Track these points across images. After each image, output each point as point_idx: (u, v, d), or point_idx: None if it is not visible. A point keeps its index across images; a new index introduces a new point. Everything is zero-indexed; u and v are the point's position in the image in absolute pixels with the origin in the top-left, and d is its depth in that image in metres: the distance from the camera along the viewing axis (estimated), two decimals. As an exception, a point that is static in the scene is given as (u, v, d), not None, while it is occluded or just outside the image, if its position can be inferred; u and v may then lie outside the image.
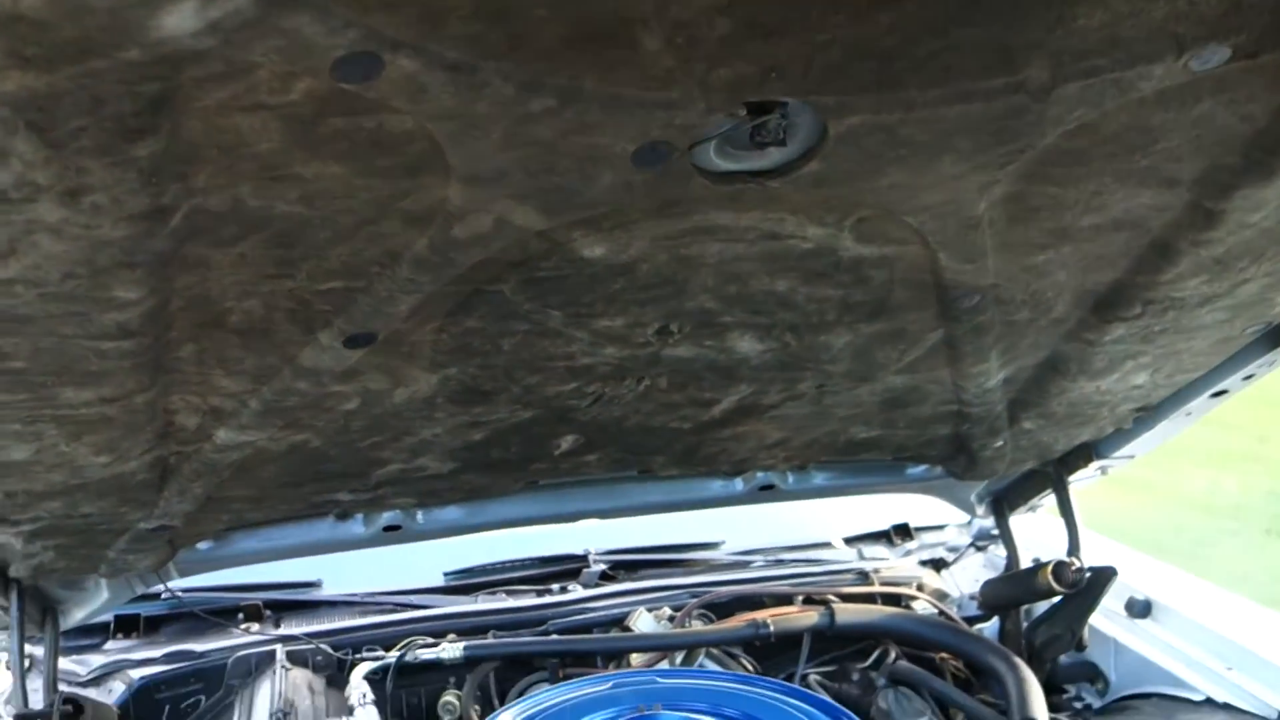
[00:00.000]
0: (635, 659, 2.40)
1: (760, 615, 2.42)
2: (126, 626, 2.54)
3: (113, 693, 2.32)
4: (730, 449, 2.12)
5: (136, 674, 2.34)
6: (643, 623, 2.45)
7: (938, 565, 2.89)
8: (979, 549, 2.97)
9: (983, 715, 2.23)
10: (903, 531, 3.05)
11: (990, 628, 2.69)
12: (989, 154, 1.25)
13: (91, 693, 2.32)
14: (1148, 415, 2.17)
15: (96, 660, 2.41)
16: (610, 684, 2.04)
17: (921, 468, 2.44)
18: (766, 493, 2.40)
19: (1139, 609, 2.51)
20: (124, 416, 1.43)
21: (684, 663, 2.36)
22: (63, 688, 2.31)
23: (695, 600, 2.49)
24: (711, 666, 2.37)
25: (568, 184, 1.18)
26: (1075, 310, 1.71)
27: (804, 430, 2.07)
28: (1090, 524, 2.54)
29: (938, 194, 1.32)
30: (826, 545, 2.97)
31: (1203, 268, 1.54)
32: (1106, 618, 2.57)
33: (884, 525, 3.05)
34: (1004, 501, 2.64)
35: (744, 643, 2.41)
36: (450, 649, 2.35)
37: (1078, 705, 2.52)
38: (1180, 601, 2.46)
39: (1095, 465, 2.37)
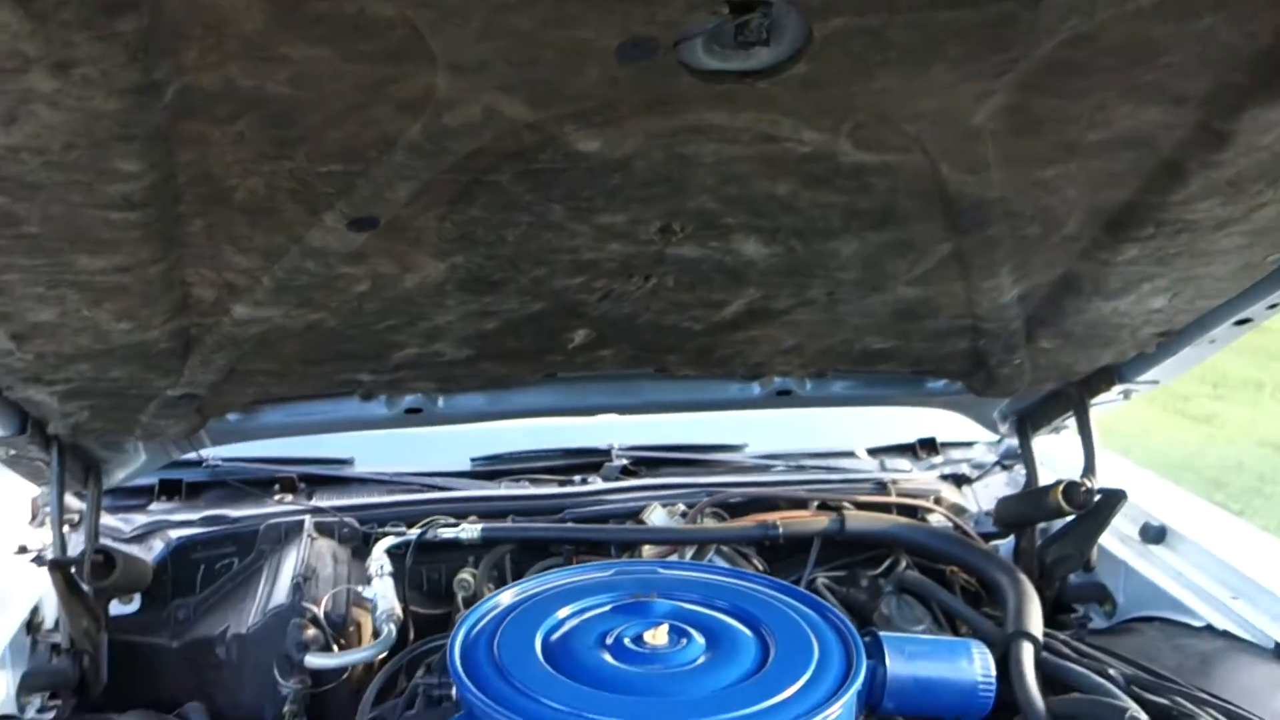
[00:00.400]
0: (646, 551, 2.48)
1: (771, 517, 2.47)
2: (169, 490, 2.69)
3: (152, 550, 2.46)
4: (745, 352, 2.15)
5: (175, 534, 2.48)
6: (656, 517, 2.52)
7: (959, 481, 2.90)
8: (1004, 468, 2.98)
9: (981, 626, 2.27)
10: (928, 446, 3.07)
11: (1006, 545, 2.71)
12: (982, 63, 1.23)
13: (134, 549, 2.47)
14: (1170, 340, 2.14)
15: (140, 519, 2.56)
16: (613, 571, 2.11)
17: (941, 382, 2.44)
18: (783, 398, 2.42)
19: (1153, 534, 2.51)
20: (140, 285, 1.50)
21: (694, 559, 2.42)
22: (107, 542, 2.47)
23: (709, 499, 2.55)
24: (721, 564, 2.43)
25: (552, 77, 1.20)
26: (1088, 229, 1.69)
27: (817, 337, 2.09)
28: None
29: (933, 101, 1.31)
30: (850, 455, 3.00)
31: (1215, 190, 1.51)
32: (1121, 541, 2.58)
33: (910, 439, 3.07)
34: (1027, 421, 2.63)
35: (753, 542, 2.46)
36: (469, 530, 2.45)
37: (1090, 625, 2.55)
38: (1195, 529, 2.46)
39: (1118, 389, 2.35)
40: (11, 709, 2.08)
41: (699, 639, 1.79)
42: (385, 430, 2.68)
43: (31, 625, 2.21)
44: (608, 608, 1.92)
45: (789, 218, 1.61)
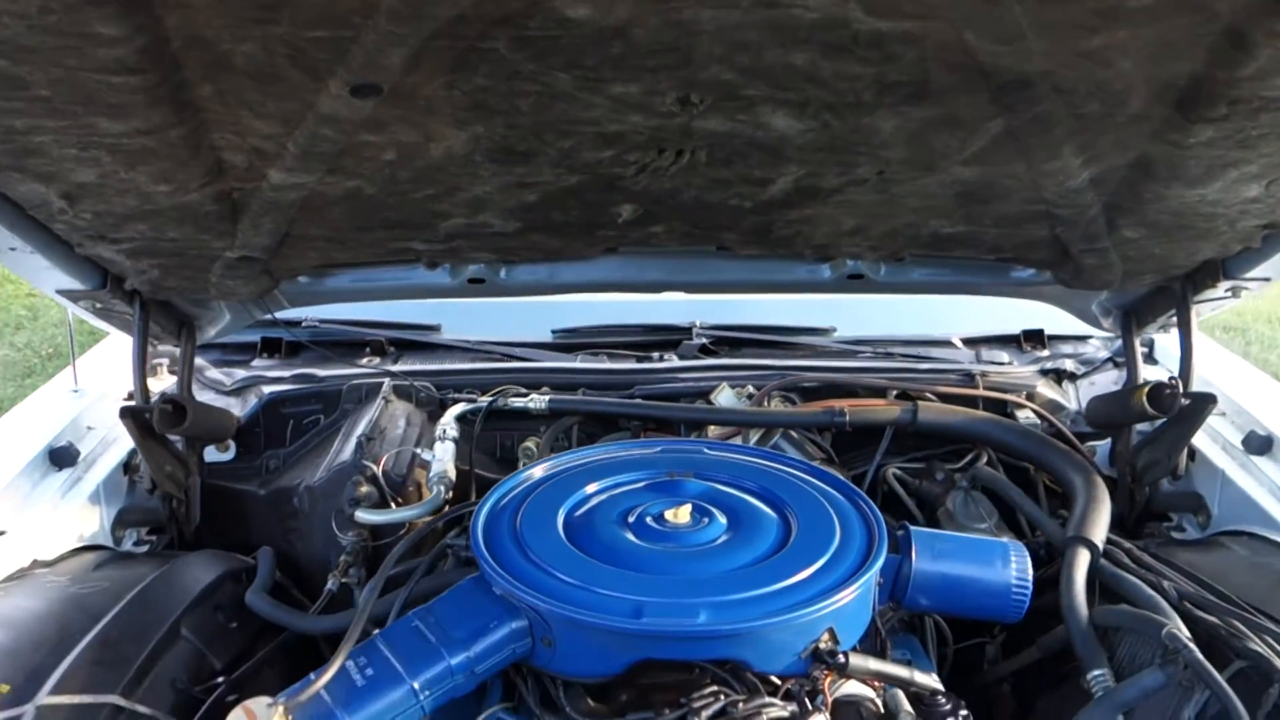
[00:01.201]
0: (711, 433, 2.46)
1: (840, 403, 2.41)
2: (270, 348, 2.83)
3: (247, 403, 2.61)
4: (805, 233, 2.06)
5: (267, 389, 2.62)
6: (723, 398, 2.49)
7: (1061, 377, 2.75)
8: (1117, 365, 2.80)
9: (1047, 529, 2.17)
10: (1035, 338, 2.91)
11: (1104, 447, 2.57)
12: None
13: (233, 402, 2.62)
14: (1277, 233, 1.93)
15: (240, 374, 2.71)
16: (659, 449, 2.11)
17: (1027, 272, 2.29)
18: (857, 282, 2.33)
19: (1257, 445, 2.34)
20: (166, 149, 1.55)
21: (759, 442, 2.39)
22: (210, 395, 2.63)
23: (777, 381, 2.50)
24: (788, 449, 2.39)
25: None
26: (1156, 107, 1.52)
27: (878, 219, 1.99)
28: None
29: (941, -39, 1.20)
30: (945, 344, 2.88)
31: (1289, 63, 1.33)
32: (1223, 450, 2.41)
33: (1015, 330, 2.91)
34: (1132, 316, 2.45)
35: (819, 428, 2.41)
36: (538, 400, 2.49)
37: (1175, 535, 2.41)
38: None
39: (1225, 285, 2.15)
40: (107, 541, 2.28)
41: (721, 519, 1.79)
42: (470, 300, 2.74)
43: (129, 466, 2.38)
44: (640, 485, 1.93)
45: (816, 90, 1.51)
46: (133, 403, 2.25)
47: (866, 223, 2.01)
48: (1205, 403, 2.19)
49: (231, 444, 2.57)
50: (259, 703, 1.45)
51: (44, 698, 1.54)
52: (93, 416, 2.47)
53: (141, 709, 1.62)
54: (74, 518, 2.17)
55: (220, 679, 1.79)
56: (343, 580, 2.05)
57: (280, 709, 1.46)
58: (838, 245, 2.15)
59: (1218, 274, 2.12)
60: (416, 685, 1.52)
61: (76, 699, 1.56)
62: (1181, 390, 2.19)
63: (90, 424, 2.46)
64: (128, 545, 2.35)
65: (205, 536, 2.41)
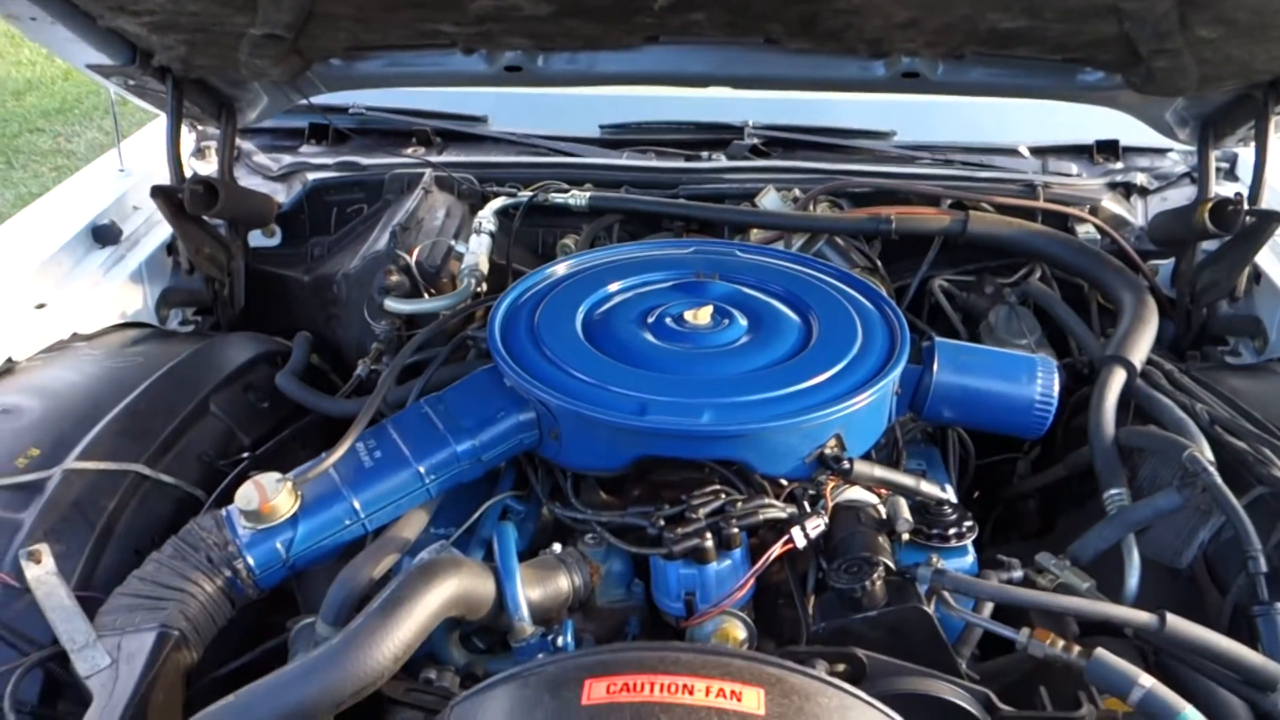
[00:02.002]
0: (754, 236, 2.40)
1: (889, 210, 2.31)
2: (318, 135, 2.80)
3: (292, 189, 2.61)
4: (855, 25, 1.93)
5: (312, 176, 2.61)
6: (768, 200, 2.41)
7: (1131, 191, 2.60)
8: (1194, 180, 2.63)
9: (1089, 346, 2.10)
10: (1108, 149, 2.75)
11: (1167, 265, 2.45)
12: None
13: (278, 187, 2.62)
14: (1372, 38, 1.76)
15: (287, 159, 2.70)
16: (691, 249, 2.06)
17: (1097, 75, 2.13)
18: (912, 81, 2.20)
19: (1329, 267, 2.20)
20: None
21: (802, 248, 2.33)
22: (256, 179, 2.63)
23: (824, 185, 2.40)
24: (831, 256, 2.33)
25: None
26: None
27: (932, 11, 1.85)
28: None
29: None
30: (1011, 152, 2.73)
31: None
32: (1291, 273, 2.28)
33: (1088, 139, 2.75)
34: (1210, 127, 2.28)
35: (864, 235, 2.33)
36: (579, 196, 2.45)
37: (1229, 359, 2.31)
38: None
39: None
40: (151, 319, 2.33)
41: (742, 322, 1.76)
42: (517, 92, 2.67)
43: (172, 247, 2.42)
44: (665, 285, 1.90)
45: None
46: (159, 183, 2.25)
47: (920, 15, 1.87)
48: (1270, 221, 2.05)
49: (277, 229, 2.59)
50: (269, 478, 1.50)
51: (70, 463, 1.61)
52: (138, 196, 2.50)
53: (165, 478, 1.69)
54: (116, 295, 2.22)
55: (246, 455, 1.85)
56: (373, 367, 2.08)
57: (289, 485, 1.50)
58: (891, 40, 2.02)
59: None
60: (422, 469, 1.56)
61: (101, 465, 1.63)
62: (1246, 207, 2.06)
63: (136, 204, 2.49)
64: (173, 324, 2.42)
65: (251, 320, 2.46)
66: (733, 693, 1.06)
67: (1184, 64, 1.90)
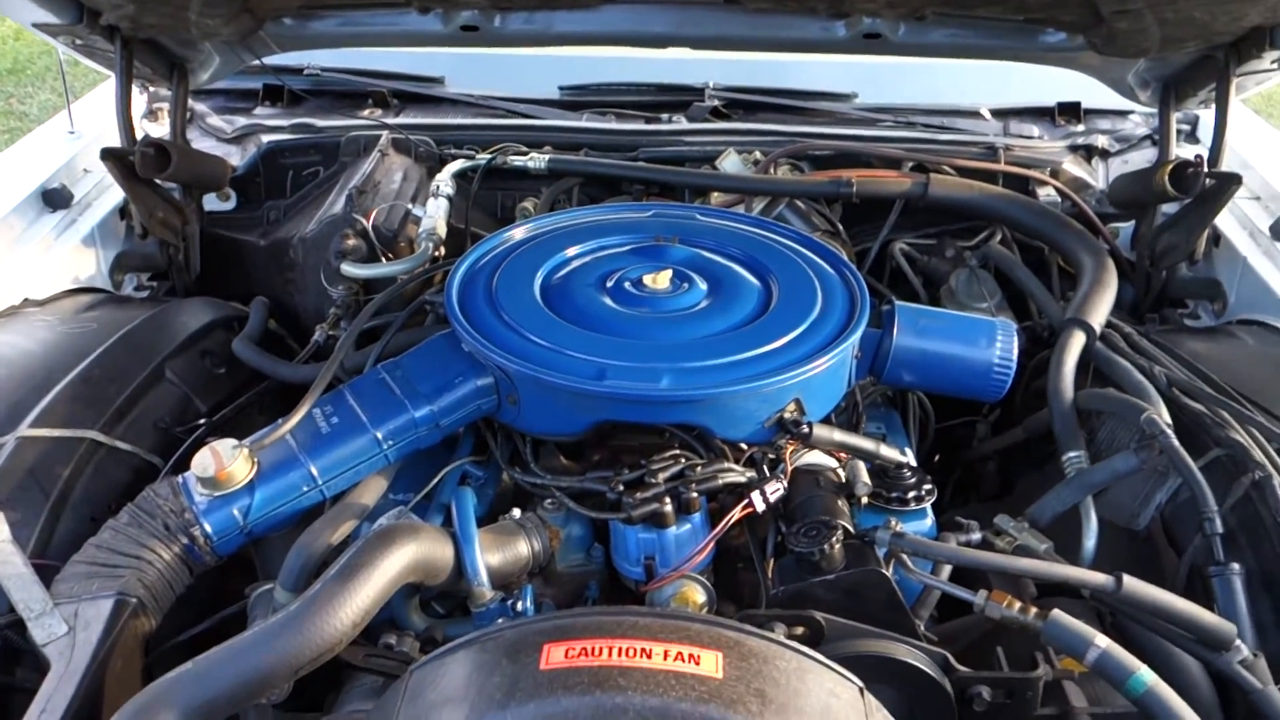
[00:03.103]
0: (715, 199, 2.38)
1: (850, 173, 2.31)
2: (272, 96, 2.75)
3: (247, 152, 2.56)
4: (816, -16, 1.92)
5: (267, 138, 2.56)
6: (728, 164, 2.40)
7: (1092, 153, 2.60)
8: (1155, 142, 2.64)
9: (1048, 309, 2.11)
10: (1070, 112, 2.74)
11: (1127, 228, 2.47)
12: None
13: (232, 150, 2.58)
14: (1332, -1, 1.76)
15: (241, 121, 2.64)
16: (650, 213, 2.05)
17: (1059, 36, 2.13)
18: (873, 42, 2.18)
19: (1283, 232, 2.23)
20: None
21: (763, 212, 2.31)
22: (210, 142, 2.58)
23: (785, 148, 2.39)
24: (792, 220, 2.32)
25: None
26: None
27: (894, -30, 1.83)
28: None
29: None
30: (973, 114, 2.73)
31: None
32: (1250, 236, 2.30)
33: (1049, 102, 2.75)
34: (1171, 89, 2.29)
35: (825, 198, 2.32)
36: (537, 159, 2.42)
37: (1189, 321, 2.33)
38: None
39: (1272, 56, 1.98)
40: (105, 284, 2.29)
41: (701, 286, 1.75)
42: (475, 52, 2.63)
43: (125, 211, 2.37)
44: (624, 249, 1.88)
45: None
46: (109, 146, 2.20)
47: None
48: (1229, 183, 2.06)
49: (232, 193, 2.54)
50: (225, 444, 1.48)
51: (24, 430, 1.58)
52: (89, 159, 2.44)
53: (121, 445, 1.66)
54: (68, 260, 2.18)
55: (202, 421, 1.82)
56: (330, 333, 2.05)
57: (245, 451, 1.48)
58: (854, 1, 2.00)
59: (1264, 43, 1.95)
60: (380, 435, 1.54)
61: (55, 432, 1.60)
62: (1206, 169, 2.07)
63: (86, 167, 2.43)
64: (127, 290, 2.37)
65: (207, 285, 2.42)
66: (691, 656, 1.05)
67: (1145, 25, 1.89)
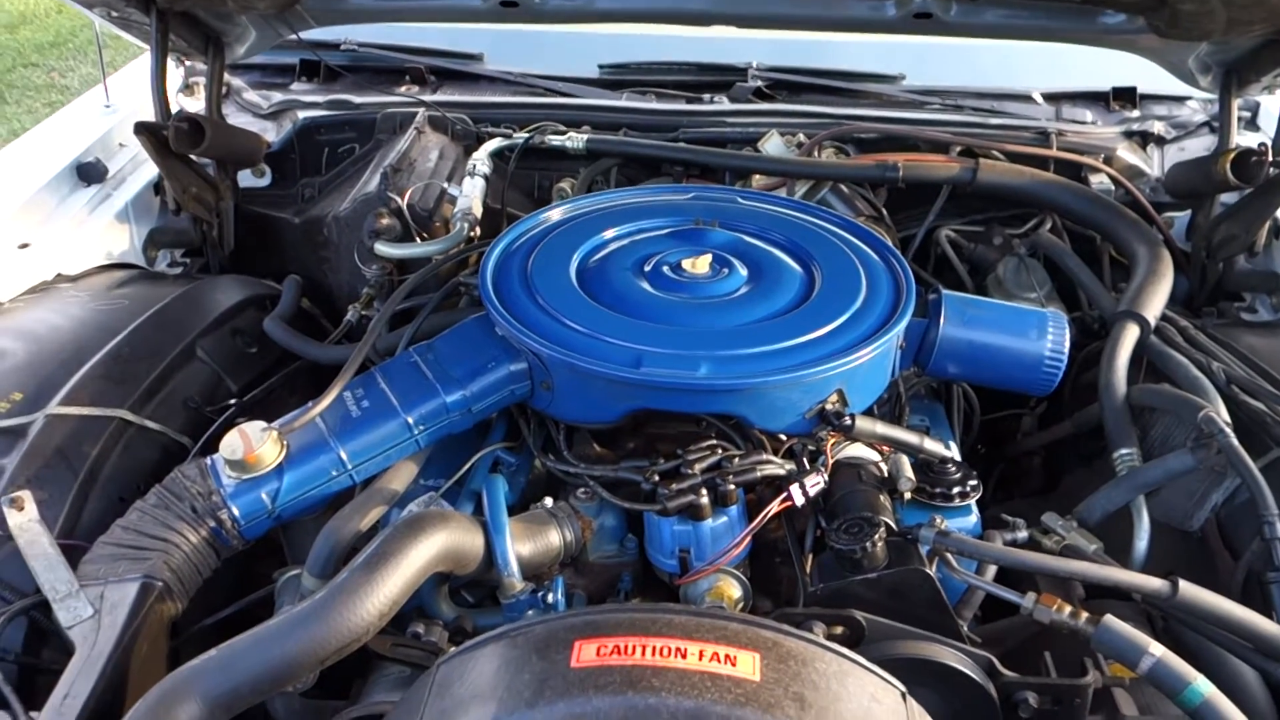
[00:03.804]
0: (757, 182, 2.33)
1: (896, 157, 2.24)
2: (309, 72, 2.72)
3: (283, 128, 2.53)
4: (866, -40, 1.86)
5: (303, 114, 2.53)
6: (771, 145, 2.34)
7: (1148, 140, 2.52)
8: (1213, 130, 2.55)
9: (1100, 301, 2.04)
10: (1125, 97, 2.66)
11: (1183, 218, 2.39)
12: None
13: (268, 125, 2.55)
14: None
15: (278, 97, 2.62)
16: (691, 195, 2.00)
17: (1119, 18, 2.05)
18: (924, 22, 2.11)
19: (1350, 222, 2.14)
20: None
21: (806, 196, 2.26)
22: (246, 117, 2.56)
23: (829, 130, 2.33)
24: (835, 204, 2.26)
25: None
26: None
27: (948, -54, 1.77)
28: None
29: None
30: (1025, 98, 2.65)
31: None
32: (1313, 227, 2.22)
33: (1104, 86, 2.66)
34: (1234, 74, 2.20)
35: (870, 182, 2.26)
36: (575, 139, 2.37)
37: (1245, 315, 2.25)
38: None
39: None
40: (138, 260, 2.28)
41: (742, 271, 1.70)
42: (515, 29, 2.59)
43: (160, 186, 2.35)
44: (663, 232, 1.84)
45: None
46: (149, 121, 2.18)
47: None
48: None
49: (267, 169, 2.53)
50: (254, 426, 1.45)
51: (53, 408, 1.57)
52: (124, 134, 2.43)
53: (150, 424, 1.65)
54: (101, 235, 2.17)
55: (233, 402, 1.80)
56: (363, 313, 2.03)
57: (274, 434, 1.46)
58: None
59: None
60: (411, 419, 1.51)
61: (85, 410, 1.58)
62: (1270, 159, 1.99)
63: (122, 141, 2.42)
64: (160, 266, 2.36)
65: (241, 262, 2.40)
66: (727, 657, 1.02)
67: (1211, 7, 1.82)
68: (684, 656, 1.02)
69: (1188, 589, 1.26)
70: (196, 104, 2.58)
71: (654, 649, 1.02)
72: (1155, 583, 1.27)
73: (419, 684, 1.09)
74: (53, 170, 2.19)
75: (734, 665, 1.01)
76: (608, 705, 0.96)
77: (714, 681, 0.98)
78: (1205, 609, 1.27)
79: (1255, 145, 2.07)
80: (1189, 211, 2.34)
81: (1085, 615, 1.23)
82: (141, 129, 2.11)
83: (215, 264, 2.39)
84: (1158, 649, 1.17)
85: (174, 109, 2.23)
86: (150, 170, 2.35)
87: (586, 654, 1.02)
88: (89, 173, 2.25)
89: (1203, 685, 1.14)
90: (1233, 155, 2.04)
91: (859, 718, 1.00)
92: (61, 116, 2.52)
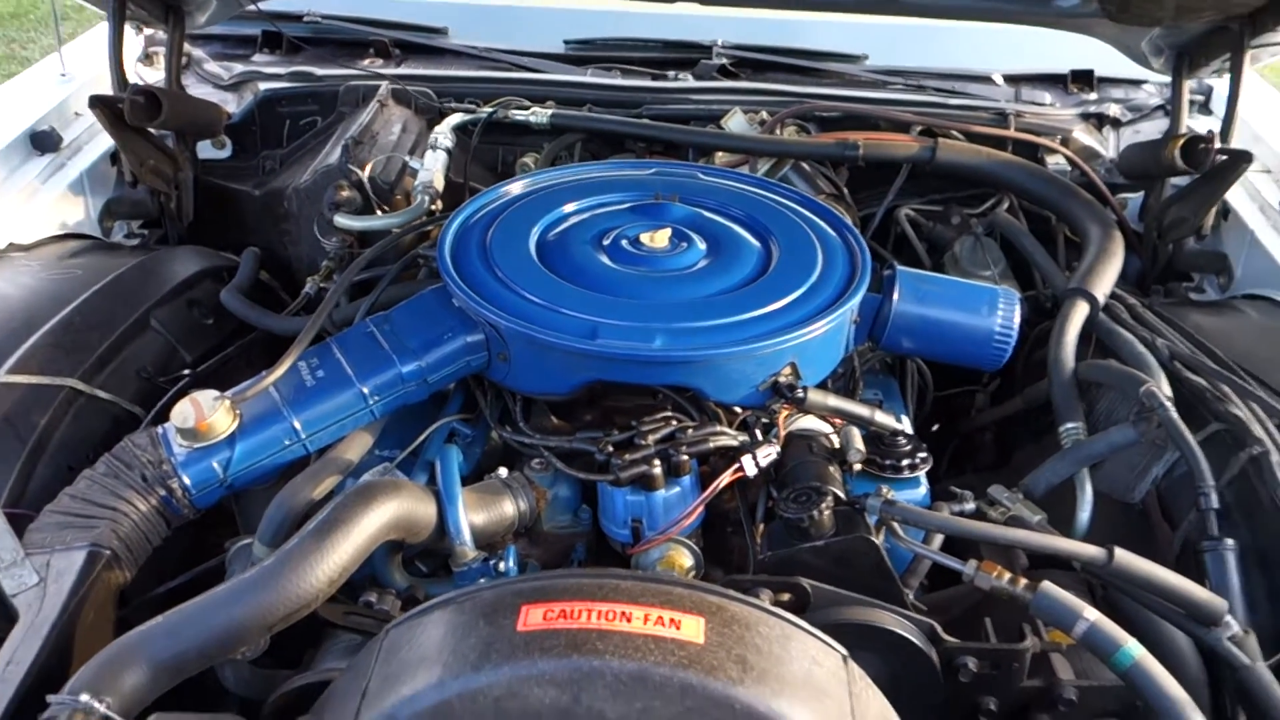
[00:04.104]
0: (719, 159, 2.34)
1: (856, 136, 2.26)
2: (271, 43, 2.70)
3: (244, 99, 2.52)
4: (826, -62, 1.86)
5: (264, 86, 2.52)
6: (734, 123, 2.35)
7: (1104, 122, 2.55)
8: (1167, 113, 2.58)
9: (1052, 279, 2.07)
10: (1083, 79, 2.69)
11: (1136, 199, 2.43)
12: None
13: (229, 97, 2.53)
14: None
15: (239, 68, 2.60)
16: (651, 170, 2.01)
17: (1073, 1, 2.07)
18: (884, 1, 2.13)
19: (1295, 204, 2.18)
20: None
21: (768, 173, 2.27)
22: (207, 88, 2.54)
23: (791, 109, 2.34)
24: (796, 182, 2.28)
25: None
26: None
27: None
28: None
29: None
30: (985, 80, 2.67)
31: None
32: (1260, 210, 2.26)
33: (1063, 69, 2.69)
34: (1185, 58, 2.23)
35: (830, 160, 2.28)
36: (539, 114, 2.37)
37: (1194, 295, 2.30)
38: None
39: None
40: (94, 231, 2.26)
41: (700, 246, 1.71)
42: (479, 3, 2.58)
43: (116, 157, 2.33)
44: (623, 206, 1.85)
45: None
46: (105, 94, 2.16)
47: None
48: (1240, 160, 2.02)
49: (228, 141, 2.51)
50: (206, 395, 1.45)
51: (1, 376, 1.56)
52: (80, 103, 2.40)
53: (101, 394, 1.64)
54: (55, 205, 2.14)
55: (186, 372, 1.79)
56: (321, 284, 2.02)
57: (226, 403, 1.46)
58: None
59: None
60: (366, 390, 1.51)
61: (34, 379, 1.57)
62: (1217, 145, 2.02)
63: (78, 110, 2.39)
64: (117, 237, 2.34)
65: (200, 234, 2.38)
66: (672, 620, 1.03)
67: None
68: (629, 620, 1.03)
69: (1123, 556, 1.29)
70: (156, 74, 2.56)
71: (599, 613, 1.04)
72: (1092, 550, 1.30)
73: (367, 649, 1.10)
74: (5, 139, 2.17)
75: (678, 629, 1.02)
76: (552, 668, 0.97)
77: (658, 644, 1.00)
78: (1140, 576, 1.30)
79: (1205, 130, 2.10)
80: (1142, 193, 2.37)
81: (1024, 582, 1.26)
82: (96, 102, 2.08)
83: (173, 236, 2.37)
84: (1092, 613, 1.20)
85: (133, 79, 2.21)
86: (107, 140, 2.33)
87: (533, 618, 1.04)
88: (43, 142, 2.23)
89: (1134, 648, 1.17)
90: (1182, 141, 2.07)
91: (800, 680, 1.02)
92: (15, 85, 2.49)
